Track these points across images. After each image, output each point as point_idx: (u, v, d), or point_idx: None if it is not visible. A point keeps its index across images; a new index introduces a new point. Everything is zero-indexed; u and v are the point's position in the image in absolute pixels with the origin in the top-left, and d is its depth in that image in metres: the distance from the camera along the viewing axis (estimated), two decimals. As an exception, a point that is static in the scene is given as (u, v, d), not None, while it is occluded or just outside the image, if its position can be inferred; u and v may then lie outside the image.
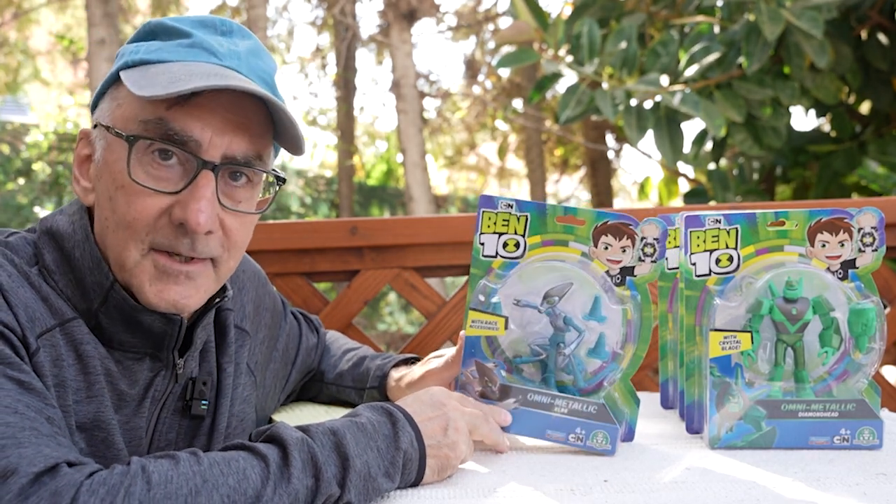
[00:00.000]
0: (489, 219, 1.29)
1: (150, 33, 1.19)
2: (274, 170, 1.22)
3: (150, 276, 1.12)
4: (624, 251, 1.27)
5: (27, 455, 0.87)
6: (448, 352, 1.44)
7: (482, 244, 1.30)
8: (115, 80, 1.16)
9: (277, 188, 1.24)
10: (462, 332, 1.31)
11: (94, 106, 1.21)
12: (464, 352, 1.30)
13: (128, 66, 1.14)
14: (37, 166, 10.09)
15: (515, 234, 1.29)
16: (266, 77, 1.20)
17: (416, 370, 1.48)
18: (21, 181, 10.25)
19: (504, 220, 1.29)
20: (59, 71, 15.90)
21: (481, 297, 1.29)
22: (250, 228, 1.22)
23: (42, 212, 9.66)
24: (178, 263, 1.13)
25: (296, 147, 1.21)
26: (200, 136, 1.11)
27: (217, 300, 1.25)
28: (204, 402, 1.25)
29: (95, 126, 1.18)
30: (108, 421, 1.12)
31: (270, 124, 1.19)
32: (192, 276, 1.14)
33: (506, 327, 1.28)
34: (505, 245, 1.30)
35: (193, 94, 1.09)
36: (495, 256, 1.30)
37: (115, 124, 1.14)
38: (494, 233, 1.29)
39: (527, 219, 1.29)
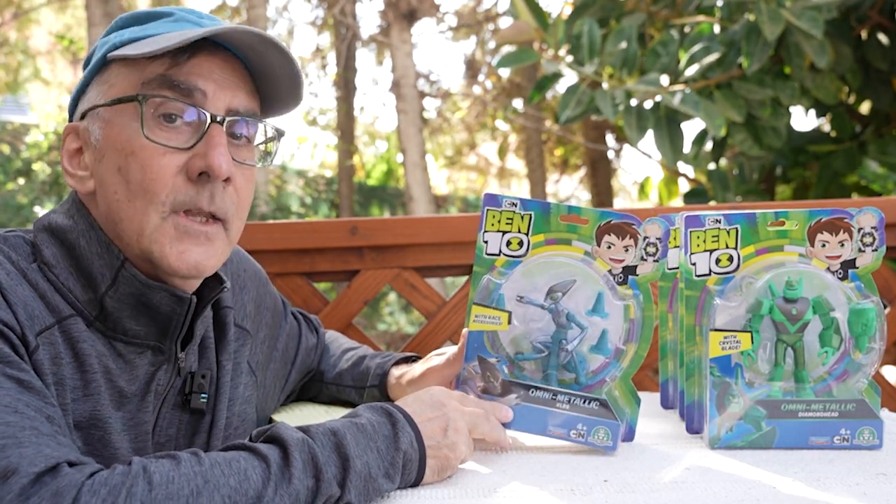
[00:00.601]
0: (493, 217, 1.30)
1: (129, 21, 1.22)
2: (275, 127, 1.27)
3: (170, 238, 1.14)
4: (627, 250, 1.27)
5: (28, 455, 0.87)
6: (450, 350, 1.44)
7: (486, 242, 1.30)
8: (99, 69, 1.19)
9: (278, 143, 1.28)
10: (465, 330, 1.31)
11: (74, 104, 1.23)
12: (466, 347, 1.30)
13: (116, 47, 1.17)
14: (37, 166, 10.10)
15: (519, 232, 1.29)
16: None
17: (417, 368, 1.48)
18: (21, 181, 10.25)
19: (508, 218, 1.29)
20: (59, 71, 15.91)
21: (485, 293, 1.29)
22: (252, 188, 1.25)
23: (42, 212, 9.66)
24: (198, 224, 1.15)
25: (291, 99, 1.26)
26: (205, 87, 1.15)
27: (215, 293, 1.25)
28: (203, 395, 1.25)
29: (83, 117, 1.19)
30: (106, 419, 1.12)
31: (257, 91, 1.24)
32: (210, 236, 1.17)
33: (509, 322, 1.28)
34: (508, 243, 1.30)
35: (192, 55, 1.14)
36: (499, 254, 1.30)
37: (114, 97, 1.16)
38: (498, 231, 1.30)
39: (531, 217, 1.29)
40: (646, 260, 1.27)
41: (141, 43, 1.15)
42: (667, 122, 3.65)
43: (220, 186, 1.16)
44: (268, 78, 1.22)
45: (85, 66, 1.23)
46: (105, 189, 1.16)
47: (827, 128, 4.60)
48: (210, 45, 1.16)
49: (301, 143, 17.96)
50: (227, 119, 1.17)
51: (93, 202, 1.18)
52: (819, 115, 4.48)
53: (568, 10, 4.66)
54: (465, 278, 2.18)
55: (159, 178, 1.13)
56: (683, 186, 5.41)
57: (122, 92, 1.15)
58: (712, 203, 4.26)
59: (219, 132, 1.15)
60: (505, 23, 11.90)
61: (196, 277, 1.19)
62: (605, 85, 3.56)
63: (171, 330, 1.18)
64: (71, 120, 1.24)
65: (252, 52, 1.18)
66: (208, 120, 1.15)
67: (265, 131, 1.25)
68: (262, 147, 1.26)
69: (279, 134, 1.27)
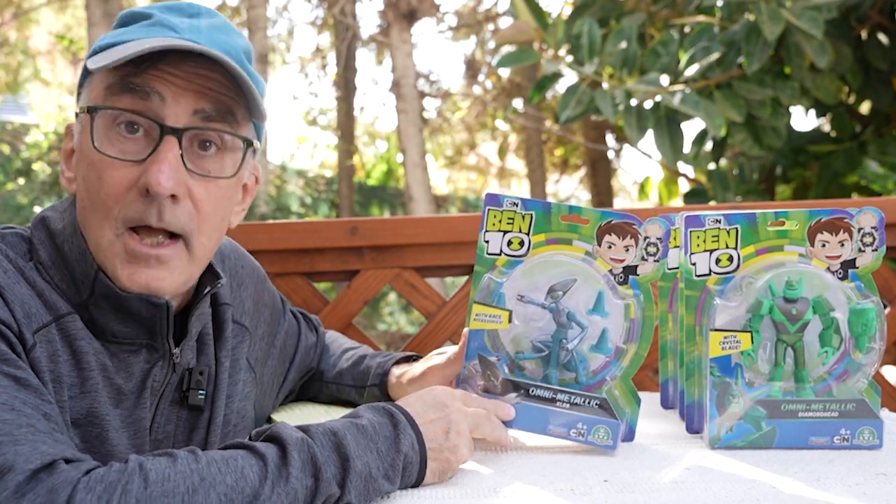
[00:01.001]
0: (494, 217, 1.30)
1: (118, 22, 1.22)
2: (243, 136, 1.18)
3: (120, 259, 1.12)
4: (627, 250, 1.27)
5: (24, 452, 0.87)
6: (451, 349, 1.44)
7: (487, 242, 1.30)
8: (87, 72, 1.18)
9: (252, 153, 1.22)
10: (466, 329, 1.31)
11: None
12: (467, 346, 1.30)
13: (94, 52, 1.16)
14: (37, 166, 10.10)
15: (520, 232, 1.29)
16: (230, 49, 1.17)
17: (418, 367, 1.48)
18: (21, 181, 10.25)
19: (509, 218, 1.29)
20: (59, 71, 15.90)
21: (485, 292, 1.29)
22: (223, 202, 1.19)
23: (42, 212, 9.66)
24: (146, 247, 1.12)
25: (256, 113, 1.19)
26: (163, 90, 1.11)
27: (209, 288, 1.25)
28: (201, 392, 1.25)
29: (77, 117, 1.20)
30: (103, 416, 1.12)
31: (241, 95, 1.17)
32: (162, 259, 1.13)
33: (510, 321, 1.28)
34: (509, 243, 1.30)
35: (155, 62, 1.10)
36: (499, 254, 1.30)
37: (82, 105, 1.16)
38: (499, 231, 1.30)
39: (532, 217, 1.29)
40: (646, 260, 1.27)
41: (107, 53, 1.12)
42: (667, 122, 3.65)
43: (168, 202, 1.11)
44: (234, 72, 1.14)
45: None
46: (79, 196, 1.16)
47: (827, 128, 4.60)
48: (183, 50, 1.10)
49: (301, 143, 17.97)
50: (189, 129, 1.12)
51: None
52: (819, 115, 4.48)
53: (568, 10, 4.66)
54: (465, 278, 2.18)
55: (112, 193, 1.11)
56: (683, 186, 5.41)
57: (93, 99, 1.15)
58: (712, 203, 4.26)
59: (170, 145, 1.10)
60: (505, 23, 11.90)
61: (152, 297, 1.14)
62: (605, 85, 3.56)
63: (159, 328, 1.18)
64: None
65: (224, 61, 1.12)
66: (160, 133, 1.11)
67: (232, 141, 1.17)
68: (230, 158, 1.18)
69: (246, 144, 1.19)
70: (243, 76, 1.13)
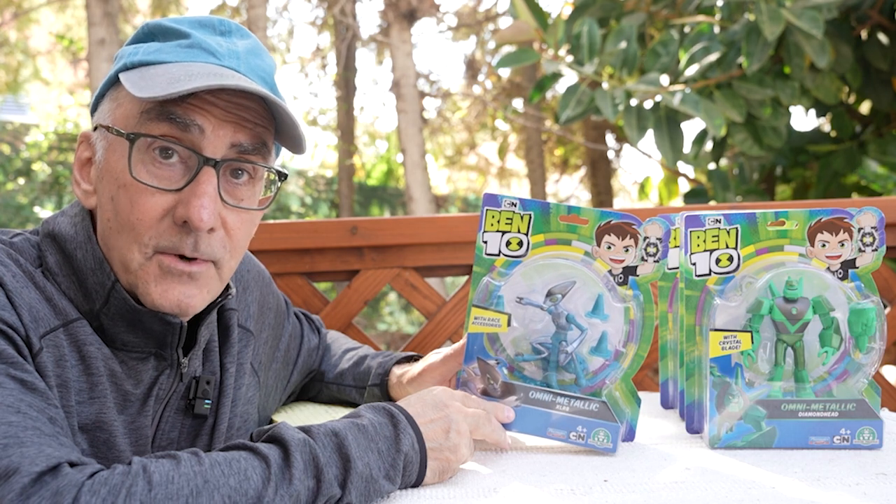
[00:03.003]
0: (493, 217, 1.29)
1: (148, 34, 1.20)
2: (276, 169, 1.22)
3: (154, 277, 1.12)
4: (627, 251, 1.27)
5: (29, 454, 0.88)
6: (448, 348, 1.44)
7: (485, 242, 1.30)
8: (114, 82, 1.17)
9: (279, 185, 1.24)
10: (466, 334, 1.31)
11: (94, 108, 1.22)
12: (466, 349, 1.30)
13: (127, 67, 1.14)
14: (37, 166, 10.10)
15: (519, 232, 1.29)
16: (265, 76, 1.20)
17: (417, 366, 1.48)
18: (21, 181, 10.25)
19: (508, 218, 1.29)
20: (59, 71, 15.90)
21: (484, 295, 1.29)
22: (252, 227, 1.22)
23: (42, 212, 9.67)
24: (182, 263, 1.13)
25: (296, 146, 1.21)
26: (203, 123, 1.11)
27: (219, 299, 1.25)
28: (207, 401, 1.25)
29: (96, 128, 1.18)
30: (111, 422, 1.12)
31: (271, 122, 1.18)
32: (195, 276, 1.14)
33: (508, 324, 1.28)
34: (508, 244, 1.30)
35: (193, 93, 1.09)
36: (498, 255, 1.30)
37: (115, 124, 1.14)
38: (498, 231, 1.30)
39: (530, 217, 1.29)
40: (646, 260, 1.27)
41: (145, 73, 1.11)
42: (667, 122, 3.65)
43: (205, 234, 1.12)
44: (279, 114, 1.16)
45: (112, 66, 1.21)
46: (102, 211, 1.15)
47: (827, 128, 4.60)
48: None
49: (307, 148, 17.92)
50: (225, 161, 1.13)
51: (95, 215, 1.18)
52: (819, 115, 4.48)
53: (568, 10, 4.66)
54: (465, 278, 2.18)
55: (144, 220, 1.10)
56: (683, 186, 5.41)
57: (124, 118, 1.13)
58: (712, 203, 4.26)
59: (208, 178, 1.11)
60: (505, 23, 11.90)
61: (181, 315, 1.16)
62: (605, 85, 3.56)
63: (170, 341, 1.18)
64: (93, 117, 1.22)
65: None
66: (199, 164, 1.11)
67: (266, 173, 1.20)
68: (261, 189, 1.21)
69: (280, 177, 1.22)
70: (289, 113, 1.13)
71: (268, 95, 1.11)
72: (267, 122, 1.17)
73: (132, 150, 1.10)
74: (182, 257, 1.13)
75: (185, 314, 1.16)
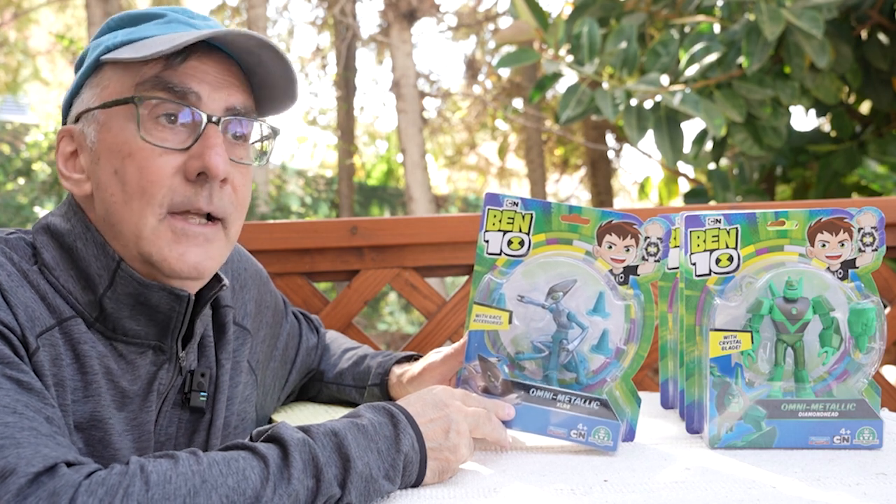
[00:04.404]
0: (494, 216, 1.30)
1: (119, 23, 1.23)
2: (270, 125, 1.27)
3: (168, 241, 1.14)
4: (627, 250, 1.27)
5: (26, 455, 0.87)
6: (448, 348, 1.44)
7: (486, 241, 1.30)
8: (92, 71, 1.19)
9: (274, 141, 1.28)
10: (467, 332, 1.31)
11: (67, 106, 1.23)
12: (467, 347, 1.30)
13: (109, 49, 1.17)
14: (37, 166, 10.10)
15: (520, 231, 1.29)
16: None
17: (417, 366, 1.48)
18: (21, 181, 10.25)
19: (509, 217, 1.29)
20: (59, 71, 15.90)
21: (485, 292, 1.29)
22: (250, 187, 1.26)
23: (42, 212, 9.67)
24: (195, 226, 1.15)
25: (290, 96, 1.26)
26: (199, 89, 1.15)
27: (214, 291, 1.25)
28: (203, 393, 1.25)
29: (77, 120, 1.19)
30: (106, 420, 1.12)
31: (251, 89, 1.24)
32: (209, 237, 1.17)
33: (510, 322, 1.28)
34: (509, 243, 1.30)
35: (186, 58, 1.14)
36: (499, 254, 1.30)
37: (108, 100, 1.16)
38: (499, 230, 1.30)
39: (532, 217, 1.29)
40: (647, 260, 1.27)
41: (135, 45, 1.15)
42: (667, 122, 3.65)
43: (218, 186, 1.15)
44: (262, 78, 1.23)
45: (77, 69, 1.23)
46: (102, 191, 1.16)
47: (827, 128, 4.61)
48: (204, 46, 1.16)
49: (301, 143, 17.96)
50: (224, 118, 1.17)
51: (89, 204, 1.18)
52: (819, 115, 4.48)
53: (568, 10, 4.66)
54: (465, 278, 2.18)
55: (157, 180, 1.13)
56: (683, 186, 5.41)
57: (117, 94, 1.15)
58: (712, 203, 4.26)
59: (215, 132, 1.15)
60: (505, 23, 11.90)
61: (197, 279, 1.18)
62: (605, 85, 3.56)
63: (171, 328, 1.18)
64: (64, 123, 1.24)
65: (247, 54, 1.19)
66: (204, 120, 1.15)
67: (261, 130, 1.25)
68: (257, 145, 1.26)
69: (274, 132, 1.27)
70: (288, 61, 1.19)
71: (269, 41, 1.16)
72: (250, 90, 1.23)
73: (139, 111, 1.13)
74: (194, 214, 1.15)
75: (202, 276, 1.18)
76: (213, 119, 1.15)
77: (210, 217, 1.17)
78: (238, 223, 1.23)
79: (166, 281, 1.17)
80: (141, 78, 1.14)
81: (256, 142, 1.25)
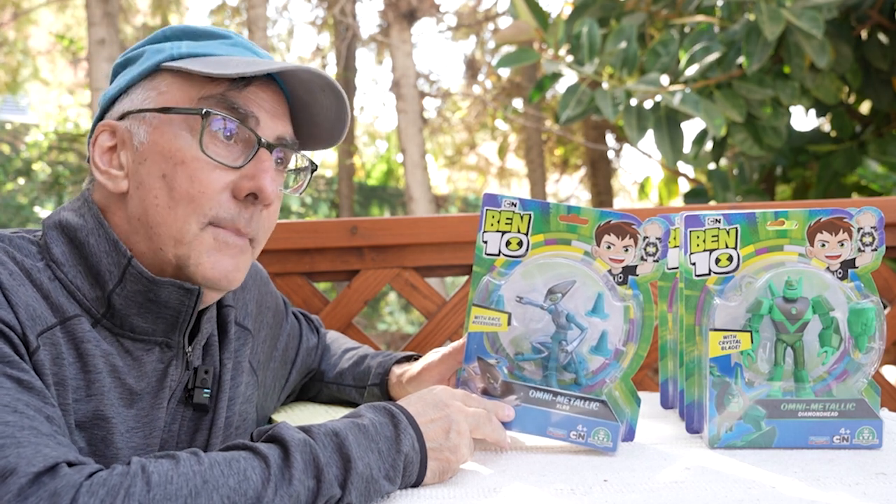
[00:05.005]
0: (493, 217, 1.30)
1: (180, 34, 1.25)
2: (310, 159, 1.32)
3: (208, 248, 1.17)
4: (626, 250, 1.27)
5: (26, 455, 0.87)
6: (447, 348, 1.44)
7: (485, 242, 1.30)
8: (149, 73, 1.21)
9: (311, 176, 1.33)
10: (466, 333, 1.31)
11: (111, 102, 1.23)
12: (466, 348, 1.30)
13: (174, 58, 1.20)
14: (37, 166, 10.10)
15: (519, 232, 1.29)
16: None
17: (416, 366, 1.48)
18: (21, 181, 10.26)
19: (507, 218, 1.29)
20: (59, 71, 15.90)
21: (484, 294, 1.29)
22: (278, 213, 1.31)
23: (42, 212, 9.67)
24: (235, 237, 1.19)
25: (336, 136, 1.32)
26: (259, 115, 1.20)
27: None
28: (206, 390, 1.25)
29: (122, 118, 1.20)
30: (110, 419, 1.12)
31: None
32: (242, 249, 1.21)
33: (508, 323, 1.28)
34: (508, 243, 1.30)
35: (250, 82, 1.19)
36: (498, 255, 1.30)
37: (169, 105, 1.18)
38: (498, 231, 1.30)
39: (530, 217, 1.29)
40: (646, 260, 1.27)
41: (205, 60, 1.18)
42: (667, 122, 3.65)
43: (260, 209, 1.20)
44: (313, 115, 1.28)
45: (121, 68, 1.25)
46: (144, 192, 1.17)
47: (827, 128, 4.61)
48: (264, 76, 1.21)
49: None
50: (276, 145, 1.21)
51: (117, 202, 1.19)
52: (819, 115, 4.48)
53: (568, 10, 4.67)
54: (465, 278, 2.18)
55: (207, 192, 1.15)
56: (683, 186, 5.41)
57: (177, 102, 1.17)
58: (712, 203, 4.26)
59: (268, 157, 1.19)
60: (505, 23, 11.90)
61: (225, 289, 1.22)
62: (605, 85, 3.57)
63: (180, 323, 1.19)
64: (102, 117, 1.24)
65: (305, 91, 1.24)
66: (259, 145, 1.19)
67: (297, 161, 1.30)
68: (293, 176, 1.31)
69: (313, 167, 1.32)
70: (346, 104, 1.26)
71: (335, 85, 1.22)
72: (291, 122, 1.28)
73: (204, 124, 1.16)
74: (234, 231, 1.19)
75: (231, 286, 1.21)
76: (267, 144, 1.19)
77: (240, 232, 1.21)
78: (262, 245, 1.27)
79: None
80: (206, 93, 1.17)
81: (292, 171, 1.30)
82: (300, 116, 1.29)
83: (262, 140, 1.19)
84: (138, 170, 1.18)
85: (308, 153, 1.31)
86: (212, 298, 1.24)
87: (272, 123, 1.21)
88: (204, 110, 1.16)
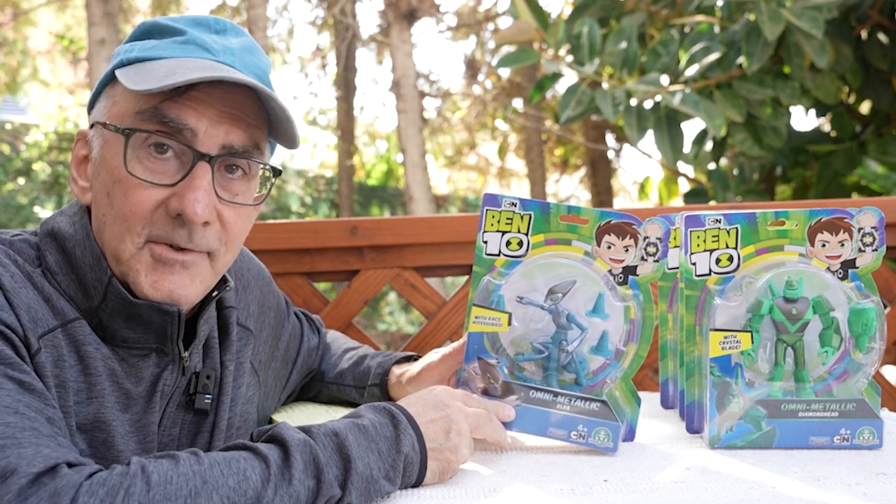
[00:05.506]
0: (493, 217, 1.29)
1: (145, 33, 1.21)
2: (271, 165, 1.23)
3: (146, 267, 1.13)
4: (627, 250, 1.27)
5: (27, 455, 0.87)
6: (447, 348, 1.44)
7: (485, 242, 1.30)
8: (110, 79, 1.18)
9: (273, 182, 1.25)
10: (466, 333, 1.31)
11: (91, 106, 1.23)
12: (466, 348, 1.30)
13: (123, 64, 1.16)
14: (37, 166, 10.09)
15: (519, 232, 1.29)
16: (260, 73, 1.21)
17: (416, 366, 1.48)
18: (21, 181, 10.25)
19: (508, 218, 1.29)
20: (59, 71, 15.89)
21: (484, 294, 1.29)
22: (248, 222, 1.23)
23: (42, 212, 9.67)
24: (173, 252, 1.13)
25: (290, 141, 1.22)
26: (196, 126, 1.12)
27: (216, 292, 1.25)
28: (208, 396, 1.25)
29: (92, 126, 1.19)
30: (110, 422, 1.12)
31: (265, 119, 1.20)
32: (187, 265, 1.15)
33: (509, 323, 1.28)
34: (508, 243, 1.30)
35: (189, 88, 1.11)
36: (498, 255, 1.30)
37: (111, 120, 1.15)
38: (498, 231, 1.30)
39: (530, 217, 1.29)
40: (646, 260, 1.27)
41: (142, 67, 1.13)
42: (667, 122, 3.65)
43: (199, 227, 1.13)
44: (275, 112, 1.18)
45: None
46: (97, 206, 1.16)
47: (827, 128, 4.61)
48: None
49: (301, 143, 17.94)
50: (219, 156, 1.14)
51: (93, 212, 1.18)
52: (819, 114, 4.48)
53: (568, 10, 4.67)
54: (465, 278, 2.18)
55: (138, 211, 1.12)
56: (683, 186, 5.41)
57: (119, 115, 1.14)
58: (712, 203, 4.26)
59: (203, 172, 1.12)
60: (505, 23, 11.90)
61: (175, 305, 1.15)
62: (605, 85, 3.56)
63: (170, 333, 1.18)
64: (90, 115, 1.23)
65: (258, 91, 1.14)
66: (193, 159, 1.12)
67: (262, 169, 1.21)
68: (256, 183, 1.22)
69: (274, 174, 1.23)
70: (283, 108, 1.15)
71: (262, 88, 1.12)
72: (260, 121, 1.19)
73: (127, 146, 1.11)
74: (174, 246, 1.13)
75: (179, 304, 1.16)
76: (206, 157, 1.13)
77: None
78: (227, 256, 1.20)
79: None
80: (141, 106, 1.12)
81: (254, 180, 1.21)
82: (273, 115, 1.19)
83: (198, 153, 1.12)
84: (94, 183, 1.17)
85: (265, 160, 1.21)
86: (195, 303, 1.20)
87: (215, 131, 1.13)
88: (125, 130, 1.12)
